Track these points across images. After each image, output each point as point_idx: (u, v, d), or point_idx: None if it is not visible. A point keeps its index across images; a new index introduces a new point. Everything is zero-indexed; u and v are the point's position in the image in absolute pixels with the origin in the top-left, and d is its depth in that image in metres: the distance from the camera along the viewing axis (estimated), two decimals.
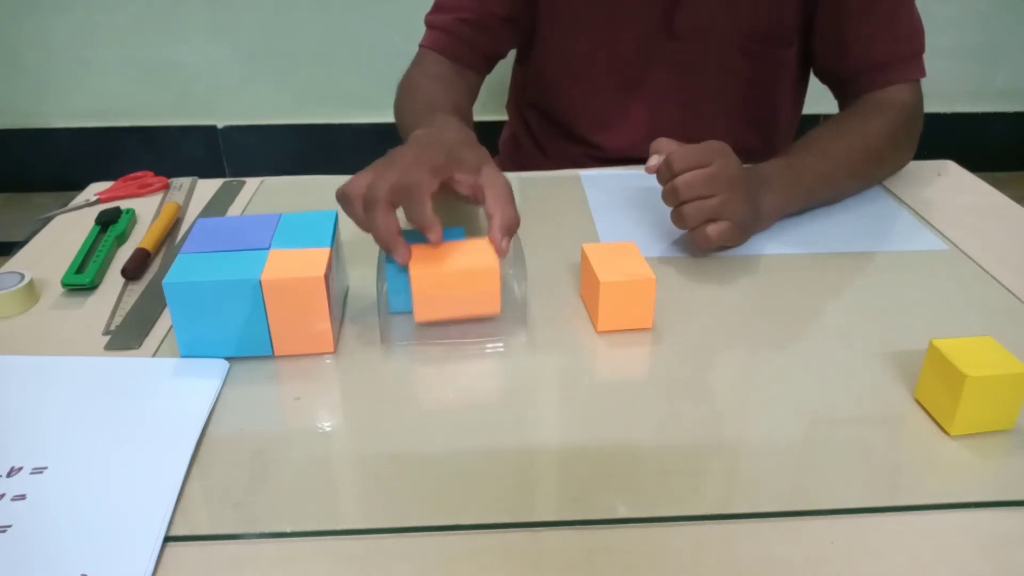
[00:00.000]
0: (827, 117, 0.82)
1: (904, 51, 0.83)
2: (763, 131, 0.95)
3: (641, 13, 0.86)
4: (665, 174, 0.67)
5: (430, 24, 0.91)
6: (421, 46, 0.91)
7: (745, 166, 0.68)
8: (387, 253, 0.57)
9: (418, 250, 0.57)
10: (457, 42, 0.89)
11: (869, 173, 0.81)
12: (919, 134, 0.84)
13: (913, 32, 0.83)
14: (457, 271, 0.57)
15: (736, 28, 0.86)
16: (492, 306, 0.58)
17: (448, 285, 0.57)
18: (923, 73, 0.84)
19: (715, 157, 0.66)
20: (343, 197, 0.60)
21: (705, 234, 0.66)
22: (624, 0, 0.86)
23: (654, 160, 0.68)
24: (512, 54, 1.02)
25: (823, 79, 0.91)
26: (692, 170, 0.65)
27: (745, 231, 0.68)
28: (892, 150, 0.82)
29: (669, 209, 0.68)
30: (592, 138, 0.95)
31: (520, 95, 1.03)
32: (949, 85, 1.97)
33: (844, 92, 0.88)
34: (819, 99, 0.97)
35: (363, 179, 0.59)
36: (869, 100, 0.83)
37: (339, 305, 0.61)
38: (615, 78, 0.91)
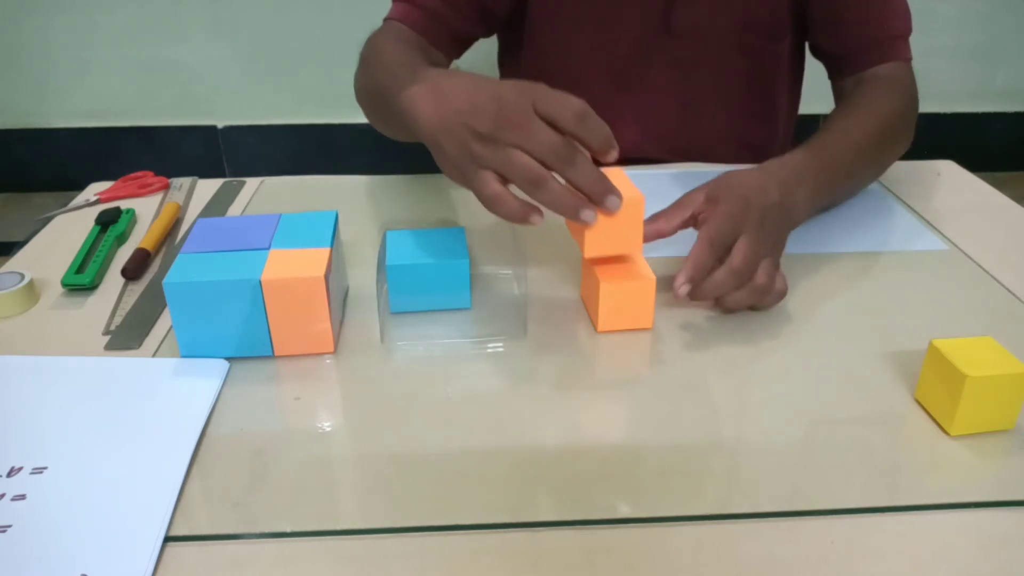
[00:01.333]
0: (827, 117, 0.82)
1: (896, 29, 0.84)
2: (765, 124, 0.95)
3: (638, 11, 0.86)
4: (708, 258, 0.58)
5: None
6: (386, 19, 0.85)
7: (776, 168, 0.65)
8: (577, 213, 0.54)
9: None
10: (425, 17, 0.83)
11: (885, 157, 0.81)
12: (917, 116, 0.84)
13: (903, 13, 0.84)
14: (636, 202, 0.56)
15: (733, 23, 0.86)
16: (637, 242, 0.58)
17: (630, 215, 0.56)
18: (911, 55, 0.84)
19: (743, 223, 0.59)
20: (494, 200, 0.53)
21: (779, 293, 0.61)
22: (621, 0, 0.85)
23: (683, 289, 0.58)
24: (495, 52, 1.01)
25: (818, 57, 0.90)
26: (731, 247, 0.59)
27: (781, 248, 0.64)
28: (902, 130, 0.82)
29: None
30: None
31: None
32: (949, 85, 1.97)
33: (840, 71, 0.87)
34: (819, 99, 0.97)
35: (482, 153, 0.53)
36: (872, 82, 0.83)
37: (339, 305, 0.61)
38: (612, 78, 0.90)
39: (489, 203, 0.53)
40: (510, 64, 1.00)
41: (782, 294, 0.62)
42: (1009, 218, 0.79)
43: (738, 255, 0.58)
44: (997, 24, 1.91)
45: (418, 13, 0.83)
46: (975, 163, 0.92)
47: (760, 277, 0.59)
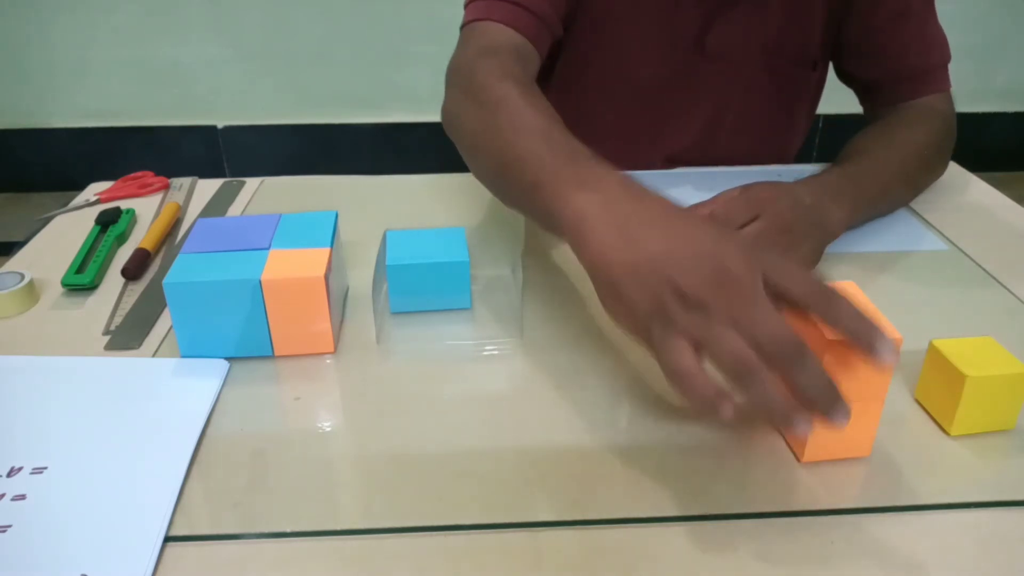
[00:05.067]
0: (827, 118, 0.82)
1: (935, 60, 0.83)
2: (780, 147, 0.95)
3: (676, 31, 0.84)
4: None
5: None
6: (483, 19, 0.71)
7: (807, 181, 0.67)
8: (789, 421, 0.40)
9: None
10: (535, 22, 0.72)
11: (919, 181, 0.81)
12: (954, 145, 0.84)
13: (941, 42, 0.84)
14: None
15: (765, 47, 0.85)
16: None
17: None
18: (950, 84, 0.84)
19: (758, 208, 0.62)
20: (684, 376, 0.41)
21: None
22: (659, 19, 0.83)
23: None
24: None
25: (849, 84, 0.90)
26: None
27: (812, 263, 0.65)
28: (938, 159, 0.82)
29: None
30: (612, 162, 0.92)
31: None
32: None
33: (875, 100, 0.87)
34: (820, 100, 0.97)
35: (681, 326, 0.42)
36: (910, 109, 0.82)
37: (339, 305, 0.61)
38: (640, 96, 0.89)
39: (675, 378, 0.42)
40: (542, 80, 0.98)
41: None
42: (1009, 218, 0.79)
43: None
44: (997, 24, 1.91)
45: (528, 18, 0.71)
46: (975, 163, 0.92)
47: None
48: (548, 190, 0.50)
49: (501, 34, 0.70)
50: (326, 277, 0.55)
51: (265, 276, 0.54)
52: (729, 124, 0.91)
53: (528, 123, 0.57)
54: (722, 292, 0.41)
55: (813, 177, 0.70)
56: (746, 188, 0.64)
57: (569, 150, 0.53)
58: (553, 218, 0.50)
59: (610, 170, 0.50)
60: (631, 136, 0.91)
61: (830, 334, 0.42)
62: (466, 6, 0.75)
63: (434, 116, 0.72)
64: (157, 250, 0.72)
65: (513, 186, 0.56)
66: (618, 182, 0.49)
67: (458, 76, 0.67)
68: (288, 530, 0.43)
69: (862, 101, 0.89)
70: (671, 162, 0.91)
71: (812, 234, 0.65)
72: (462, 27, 0.73)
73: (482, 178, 0.64)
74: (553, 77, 0.93)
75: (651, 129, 0.91)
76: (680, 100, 0.89)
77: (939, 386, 0.50)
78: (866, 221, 0.75)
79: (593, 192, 0.48)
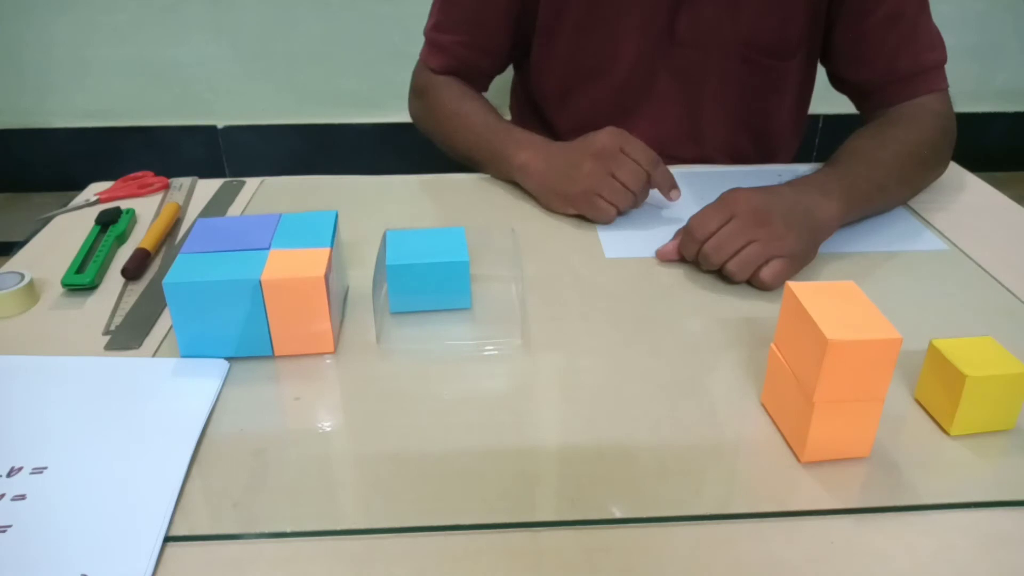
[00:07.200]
0: (827, 118, 0.82)
1: (928, 62, 0.83)
2: (758, 139, 0.95)
3: (644, 18, 0.85)
4: (690, 246, 0.66)
5: (433, 42, 0.91)
6: (427, 66, 0.92)
7: (794, 181, 0.68)
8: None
9: None
10: (462, 65, 0.91)
11: (917, 180, 0.80)
12: (953, 144, 0.83)
13: (935, 43, 0.83)
14: None
15: (737, 36, 0.85)
16: None
17: None
18: (946, 83, 0.84)
19: (732, 208, 0.65)
20: (607, 218, 0.76)
21: (762, 282, 0.64)
22: (626, 7, 0.85)
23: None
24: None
25: (842, 89, 0.89)
26: (714, 233, 0.65)
27: (804, 253, 0.67)
28: (934, 158, 0.82)
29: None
30: None
31: (521, 104, 1.03)
32: (949, 85, 1.97)
33: (868, 103, 0.87)
34: (818, 100, 0.97)
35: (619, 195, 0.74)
36: (902, 110, 0.82)
37: (339, 305, 0.61)
38: (618, 86, 0.90)
39: (599, 215, 0.75)
40: (520, 77, 1.00)
41: (765, 284, 0.64)
42: (1009, 218, 0.79)
43: (709, 244, 0.65)
44: (997, 24, 1.91)
45: (455, 63, 0.91)
46: (975, 163, 0.92)
47: (734, 268, 0.64)
48: (501, 156, 0.82)
49: (443, 80, 0.93)
50: (326, 277, 0.55)
51: (265, 276, 0.54)
52: (708, 112, 0.91)
53: (474, 123, 0.87)
54: (600, 162, 0.75)
55: (802, 176, 0.71)
56: (723, 194, 0.67)
57: (504, 128, 0.85)
58: (507, 170, 0.82)
59: (531, 134, 0.82)
60: (618, 121, 0.92)
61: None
62: (425, 32, 0.94)
63: None
64: (157, 250, 0.72)
65: (479, 163, 0.87)
66: (537, 140, 0.81)
67: (419, 96, 0.95)
68: (288, 530, 0.44)
69: (858, 106, 0.89)
70: (661, 150, 0.92)
71: (800, 224, 0.66)
72: (421, 56, 0.95)
73: (456, 160, 0.91)
74: (533, 81, 0.94)
75: (635, 118, 0.91)
76: (658, 85, 0.89)
77: (939, 386, 0.50)
78: (862, 217, 0.75)
79: (526, 150, 0.80)
